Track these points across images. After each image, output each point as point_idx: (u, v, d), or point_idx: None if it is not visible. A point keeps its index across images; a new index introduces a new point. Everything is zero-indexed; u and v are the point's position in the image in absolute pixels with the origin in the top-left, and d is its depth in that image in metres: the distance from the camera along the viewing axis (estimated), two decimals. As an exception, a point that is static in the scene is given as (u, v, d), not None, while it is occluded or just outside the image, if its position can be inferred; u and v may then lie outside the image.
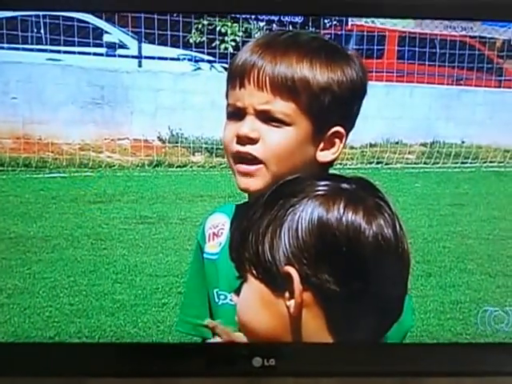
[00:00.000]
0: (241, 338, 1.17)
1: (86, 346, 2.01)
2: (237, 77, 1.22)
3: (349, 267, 1.05)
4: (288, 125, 1.21)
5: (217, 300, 1.32)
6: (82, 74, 3.59)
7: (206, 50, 3.54)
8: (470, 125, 3.93)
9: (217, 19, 3.40)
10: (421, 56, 3.81)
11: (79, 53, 3.51)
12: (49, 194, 3.43)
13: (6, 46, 2.95)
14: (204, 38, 3.51)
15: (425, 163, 3.87)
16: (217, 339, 1.27)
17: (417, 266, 2.64)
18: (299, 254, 1.05)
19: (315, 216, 1.05)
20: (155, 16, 3.24)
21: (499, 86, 3.88)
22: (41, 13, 3.26)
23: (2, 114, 3.54)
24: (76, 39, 3.45)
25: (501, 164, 3.82)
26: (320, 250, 1.04)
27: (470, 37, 3.78)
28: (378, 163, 3.76)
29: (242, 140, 1.22)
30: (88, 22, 3.41)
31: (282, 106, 1.20)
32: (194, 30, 3.50)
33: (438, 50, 3.79)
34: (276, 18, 2.48)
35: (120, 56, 3.56)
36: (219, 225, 1.35)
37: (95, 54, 3.54)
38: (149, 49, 3.52)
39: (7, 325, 2.51)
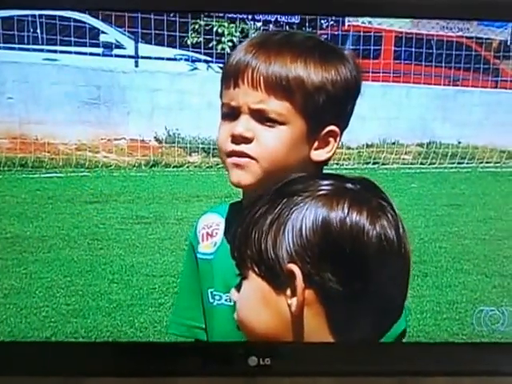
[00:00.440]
0: None
1: (84, 345, 2.00)
2: (231, 76, 1.21)
3: (351, 267, 1.05)
4: (282, 124, 1.21)
5: (211, 300, 1.31)
6: (78, 73, 3.60)
7: (202, 51, 3.55)
8: (467, 125, 3.94)
9: (214, 20, 3.40)
10: (417, 56, 3.82)
11: (76, 53, 3.51)
12: (45, 193, 3.43)
13: (2, 45, 2.96)
14: (201, 39, 3.52)
15: (421, 163, 3.88)
16: None
17: (413, 266, 2.63)
18: (302, 252, 1.04)
19: (319, 215, 1.04)
20: (152, 16, 3.25)
21: (495, 87, 3.89)
22: (37, 12, 3.27)
23: (-1, 114, 3.55)
24: (72, 39, 3.45)
25: (497, 164, 3.83)
26: (323, 249, 1.04)
27: (467, 37, 3.79)
28: (374, 163, 3.77)
29: (237, 139, 1.22)
30: (84, 22, 3.41)
31: (276, 106, 1.20)
32: (190, 31, 3.51)
33: (434, 51, 3.80)
34: (273, 19, 2.49)
35: (117, 56, 3.56)
36: (213, 225, 1.34)
37: (92, 53, 3.54)
38: (145, 49, 3.53)
39: (3, 325, 2.51)
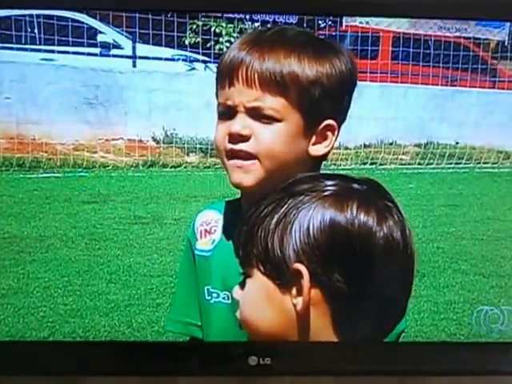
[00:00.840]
0: None
1: (84, 344, 2.00)
2: (226, 75, 1.21)
3: (358, 267, 1.05)
4: (279, 120, 1.20)
5: (208, 297, 1.31)
6: (76, 73, 3.59)
7: (200, 51, 3.55)
8: (464, 126, 3.94)
9: (212, 20, 3.40)
10: (415, 57, 3.82)
11: (73, 53, 3.51)
12: (43, 194, 3.43)
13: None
14: (199, 39, 3.52)
15: (419, 164, 3.88)
16: None
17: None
18: (310, 251, 1.04)
19: (327, 215, 1.04)
20: (150, 16, 3.25)
21: (493, 87, 3.89)
22: (35, 12, 3.26)
23: (-4, 114, 3.55)
24: (70, 39, 3.45)
25: (494, 165, 3.83)
26: (330, 248, 1.04)
27: (465, 38, 3.79)
28: (372, 164, 3.77)
29: (234, 138, 1.22)
30: (82, 22, 3.41)
31: (272, 102, 1.20)
32: (188, 31, 3.51)
33: (432, 51, 3.80)
34: (271, 19, 2.48)
35: (114, 56, 3.56)
36: (211, 222, 1.34)
37: (89, 53, 3.54)
38: (143, 49, 3.53)
39: (1, 325, 2.51)
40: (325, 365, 1.46)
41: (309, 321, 1.07)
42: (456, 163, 3.91)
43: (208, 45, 3.52)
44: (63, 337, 2.51)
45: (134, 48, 3.54)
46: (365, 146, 3.82)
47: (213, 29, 3.46)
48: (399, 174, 3.82)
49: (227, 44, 3.30)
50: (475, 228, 3.33)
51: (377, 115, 3.76)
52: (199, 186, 3.51)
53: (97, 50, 3.56)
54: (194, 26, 3.49)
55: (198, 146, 3.69)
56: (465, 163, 3.91)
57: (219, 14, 3.15)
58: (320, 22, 3.21)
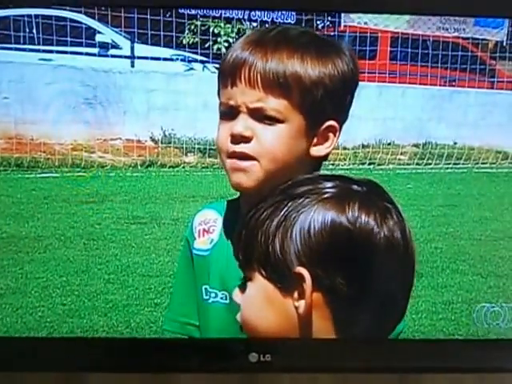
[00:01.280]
0: None
1: (85, 340, 2.01)
2: (228, 75, 1.22)
3: (359, 268, 1.06)
4: (281, 122, 1.21)
5: (206, 297, 1.31)
6: (74, 73, 3.59)
7: (199, 51, 3.54)
8: (463, 126, 3.93)
9: (210, 20, 3.40)
10: (413, 57, 3.81)
11: (72, 53, 3.50)
12: (41, 193, 3.42)
13: (-2, 45, 2.94)
14: (197, 39, 3.51)
15: (417, 164, 3.87)
16: None
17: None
18: (311, 254, 1.05)
19: (328, 217, 1.05)
20: (148, 16, 3.24)
21: (492, 88, 3.89)
22: (33, 12, 3.26)
23: (-6, 114, 3.54)
24: (68, 39, 3.44)
25: (493, 165, 3.83)
26: (332, 250, 1.05)
27: (463, 38, 3.79)
28: (370, 164, 3.77)
29: (236, 139, 1.22)
30: (80, 22, 3.40)
31: (274, 103, 1.20)
32: (187, 31, 3.50)
33: (430, 51, 3.80)
34: (269, 19, 2.48)
35: (113, 56, 3.55)
36: (210, 221, 1.34)
37: (88, 53, 3.53)
38: (142, 49, 3.52)
39: (-1, 325, 2.51)
40: (325, 362, 1.47)
41: (311, 323, 1.08)
42: (454, 163, 3.91)
43: (206, 45, 3.51)
44: (61, 336, 2.51)
45: (132, 48, 3.53)
46: (363, 146, 3.82)
47: (211, 29, 3.45)
48: (397, 174, 3.82)
49: (225, 44, 3.29)
50: (473, 228, 3.33)
51: (375, 115, 3.75)
52: (197, 187, 3.51)
53: (95, 50, 3.55)
54: (193, 26, 3.48)
55: (197, 146, 3.69)
56: (463, 163, 3.91)
57: (218, 14, 3.14)
58: (318, 22, 3.20)
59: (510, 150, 3.79)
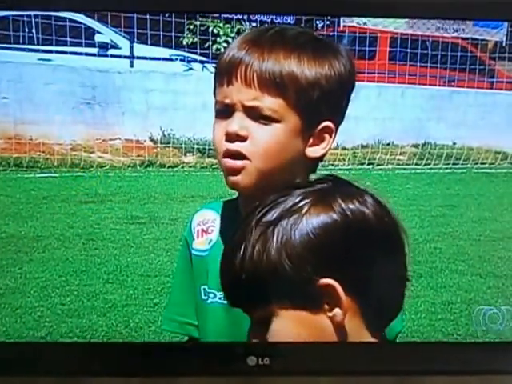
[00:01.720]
0: None
1: (83, 345, 2.01)
2: (224, 73, 1.21)
3: (367, 255, 1.06)
4: (277, 121, 1.20)
5: (204, 297, 1.31)
6: (73, 74, 3.59)
7: (198, 51, 3.54)
8: (462, 126, 3.94)
9: (209, 20, 3.40)
10: (412, 57, 3.82)
11: (71, 53, 3.50)
12: (40, 193, 3.42)
13: (-3, 45, 2.95)
14: (196, 39, 3.52)
15: (416, 164, 3.87)
16: None
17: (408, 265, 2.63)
18: (325, 262, 1.05)
19: (322, 221, 1.05)
20: (147, 16, 3.24)
21: (491, 88, 3.89)
22: (32, 13, 3.26)
23: (-6, 114, 3.54)
24: (68, 39, 3.45)
25: (492, 165, 3.83)
26: (341, 249, 1.05)
27: (462, 38, 3.79)
28: (369, 164, 3.77)
29: (231, 137, 1.22)
30: (80, 22, 3.40)
31: (270, 103, 1.19)
32: (186, 31, 3.50)
33: (429, 52, 3.80)
34: (268, 20, 2.48)
35: (112, 56, 3.56)
36: (208, 222, 1.34)
37: (87, 54, 3.53)
38: (141, 49, 3.52)
39: (-2, 325, 2.51)
40: (324, 365, 1.47)
41: (345, 328, 1.07)
42: (453, 164, 3.91)
43: (206, 45, 3.52)
44: (60, 337, 2.52)
45: (131, 48, 3.54)
46: (362, 146, 3.82)
47: (210, 29, 3.45)
48: (396, 174, 3.82)
49: (224, 44, 3.30)
50: (472, 228, 3.33)
51: (374, 115, 3.76)
52: (196, 187, 3.51)
53: (95, 50, 3.56)
54: (192, 27, 3.48)
55: (196, 146, 3.69)
56: (462, 164, 3.91)
57: (217, 15, 3.15)
58: (318, 22, 3.21)
59: (509, 151, 3.79)
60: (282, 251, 1.05)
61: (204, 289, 1.31)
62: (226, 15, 3.18)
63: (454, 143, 3.98)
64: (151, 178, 3.69)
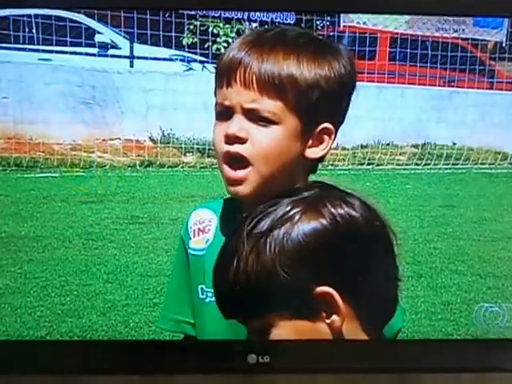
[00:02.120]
0: None
1: (82, 343, 2.01)
2: (224, 75, 1.21)
3: (359, 257, 1.07)
4: (276, 123, 1.20)
5: (202, 296, 1.31)
6: (73, 74, 3.59)
7: (198, 51, 3.54)
8: (462, 126, 3.93)
9: (209, 20, 3.40)
10: (412, 57, 3.82)
11: (71, 53, 3.50)
12: (40, 193, 3.43)
13: (-3, 45, 2.95)
14: (196, 39, 3.51)
15: (416, 164, 3.87)
16: None
17: (407, 267, 2.64)
18: (320, 269, 1.05)
19: (313, 228, 1.05)
20: (148, 16, 3.24)
21: (491, 88, 3.89)
22: (33, 12, 3.26)
23: (-6, 114, 3.54)
24: (68, 39, 3.45)
25: (492, 166, 3.83)
26: (334, 254, 1.05)
27: (462, 39, 3.79)
28: (369, 164, 3.77)
29: (231, 139, 1.22)
30: (80, 22, 3.40)
31: (269, 105, 1.19)
32: (186, 31, 3.50)
33: (429, 52, 3.80)
34: (269, 19, 2.48)
35: (112, 56, 3.55)
36: (205, 221, 1.34)
37: (87, 54, 3.53)
38: (141, 49, 3.52)
39: (-2, 324, 2.51)
40: (323, 363, 1.47)
41: (342, 333, 1.08)
42: (453, 164, 3.91)
43: (206, 45, 3.51)
44: (60, 336, 2.52)
45: (131, 48, 3.53)
46: (362, 146, 3.81)
47: (210, 29, 3.45)
48: (396, 174, 3.82)
49: (224, 44, 3.30)
50: (472, 229, 3.33)
51: (374, 116, 3.75)
52: (196, 186, 3.51)
53: (94, 50, 3.56)
54: (192, 27, 3.48)
55: (195, 146, 3.69)
56: (462, 164, 3.91)
57: (217, 15, 3.15)
58: (318, 22, 3.21)
59: (508, 151, 3.79)
60: (276, 261, 1.05)
61: (201, 288, 1.31)
62: (225, 15, 3.18)
63: (454, 143, 3.98)
64: (151, 177, 3.69)
